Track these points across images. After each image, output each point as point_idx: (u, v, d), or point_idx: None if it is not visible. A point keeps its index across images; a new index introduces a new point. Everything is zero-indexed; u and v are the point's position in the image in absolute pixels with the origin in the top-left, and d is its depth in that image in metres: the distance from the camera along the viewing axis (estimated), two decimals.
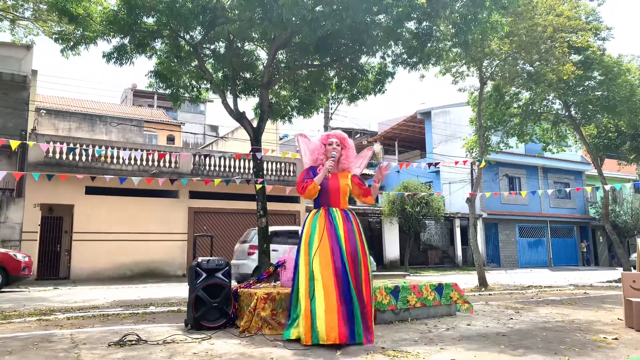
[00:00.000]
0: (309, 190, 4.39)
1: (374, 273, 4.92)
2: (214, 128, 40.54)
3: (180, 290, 10.92)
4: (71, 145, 15.62)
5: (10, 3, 12.44)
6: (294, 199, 20.29)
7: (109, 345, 4.01)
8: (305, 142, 4.82)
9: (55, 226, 17.22)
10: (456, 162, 11.62)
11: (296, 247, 5.22)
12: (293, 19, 8.08)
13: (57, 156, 15.80)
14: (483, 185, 25.21)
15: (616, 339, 4.30)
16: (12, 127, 15.83)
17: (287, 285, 5.31)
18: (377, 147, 4.63)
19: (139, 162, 17.13)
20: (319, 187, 4.38)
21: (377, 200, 4.79)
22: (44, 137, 16.16)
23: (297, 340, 4.03)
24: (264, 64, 10.82)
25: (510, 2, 9.42)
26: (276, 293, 4.76)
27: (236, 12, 8.77)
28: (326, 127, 21.89)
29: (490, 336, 4.44)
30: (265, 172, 19.00)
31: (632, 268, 14.45)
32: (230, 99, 10.77)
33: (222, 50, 10.63)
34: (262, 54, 11.36)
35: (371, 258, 5.18)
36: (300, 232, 4.42)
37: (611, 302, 7.57)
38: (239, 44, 10.61)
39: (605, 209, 15.79)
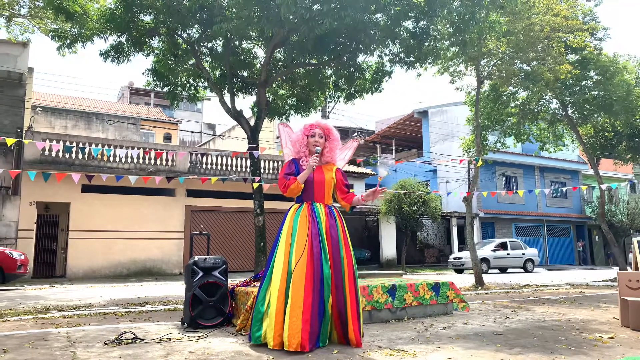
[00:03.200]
0: (292, 190, 4.03)
1: (370, 272, 4.72)
2: (211, 126, 40.51)
3: (177, 289, 10.91)
4: (67, 144, 15.58)
5: (7, 0, 12.38)
6: (291, 198, 20.26)
7: (105, 344, 4.00)
8: (287, 132, 4.47)
9: (52, 224, 17.17)
10: (452, 160, 11.62)
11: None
12: (291, 17, 8.08)
13: (54, 154, 15.74)
14: (480, 185, 25.28)
15: (612, 337, 4.31)
16: (8, 124, 15.77)
17: None
18: (383, 172, 4.40)
19: (135, 161, 17.09)
20: (303, 185, 4.03)
21: (351, 209, 4.37)
22: (40, 134, 16.11)
23: (265, 344, 3.72)
24: (262, 63, 10.82)
25: (507, 2, 9.45)
26: None
27: (233, 10, 8.77)
28: None
29: (486, 335, 4.45)
30: (262, 170, 18.99)
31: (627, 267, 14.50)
32: (227, 98, 10.76)
33: (219, 49, 10.62)
34: (260, 53, 11.37)
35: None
36: (280, 226, 4.06)
37: (607, 301, 7.60)
38: (236, 43, 10.60)
39: (602, 209, 15.84)
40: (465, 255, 20.48)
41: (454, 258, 21.52)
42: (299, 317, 3.60)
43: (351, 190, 4.40)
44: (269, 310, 3.74)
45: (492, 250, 20.94)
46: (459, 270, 20.84)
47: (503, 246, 21.39)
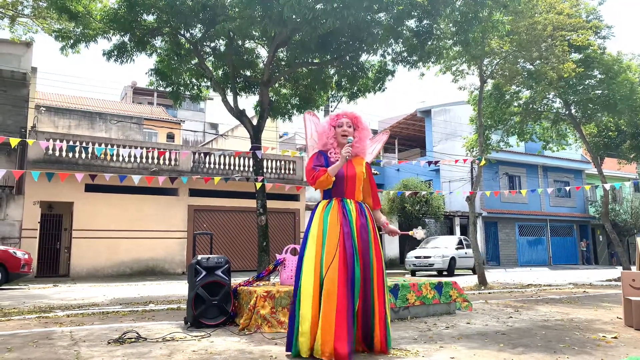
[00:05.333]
0: (321, 182, 3.63)
1: None
2: (214, 126, 40.53)
3: (180, 288, 10.94)
4: (71, 143, 15.62)
5: (10, 0, 12.41)
6: (293, 197, 20.29)
7: (109, 343, 4.01)
8: (313, 122, 4.10)
9: (55, 223, 17.23)
10: (456, 161, 11.61)
11: (291, 245, 5.09)
12: (293, 17, 8.07)
13: (57, 153, 15.80)
14: (483, 184, 25.23)
15: (615, 337, 4.30)
16: (12, 124, 15.83)
17: (286, 283, 5.32)
18: (421, 235, 4.12)
19: (138, 160, 17.13)
20: (333, 178, 3.66)
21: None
22: (44, 134, 16.16)
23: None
24: (264, 62, 10.82)
25: (510, 1, 9.42)
26: (276, 291, 4.76)
27: (236, 9, 8.77)
28: None
29: (489, 334, 4.44)
30: (265, 170, 19.01)
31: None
32: (230, 97, 10.77)
33: (222, 48, 10.63)
34: (263, 52, 11.38)
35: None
36: (307, 225, 3.73)
37: (610, 301, 7.58)
38: (239, 42, 10.61)
39: (605, 208, 15.80)
40: (435, 253, 17.30)
41: (417, 257, 17.46)
42: (332, 324, 3.33)
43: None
44: (300, 317, 3.46)
45: (456, 249, 18.02)
46: (413, 272, 17.58)
47: (460, 244, 18.63)
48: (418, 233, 4.05)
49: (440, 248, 17.95)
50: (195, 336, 4.30)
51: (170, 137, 31.52)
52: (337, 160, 3.71)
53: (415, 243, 24.15)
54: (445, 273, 17.29)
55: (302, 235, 18.73)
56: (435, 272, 17.55)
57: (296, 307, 3.53)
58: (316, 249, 3.57)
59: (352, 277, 3.50)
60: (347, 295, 3.43)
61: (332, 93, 12.22)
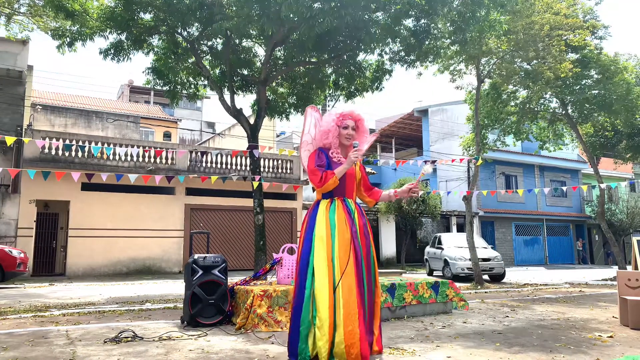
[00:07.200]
0: (328, 185, 3.54)
1: None
2: (211, 125, 40.45)
3: (177, 287, 10.92)
4: (67, 142, 15.56)
5: None
6: (290, 196, 20.27)
7: (105, 342, 4.01)
8: (315, 117, 3.93)
9: (51, 222, 17.16)
10: (453, 160, 11.62)
11: (288, 245, 5.10)
12: (291, 15, 8.07)
13: (53, 152, 15.74)
14: (480, 184, 25.29)
15: (611, 337, 4.31)
16: (8, 122, 15.77)
17: (283, 283, 5.32)
18: (428, 169, 4.09)
19: (135, 159, 17.08)
20: (339, 181, 3.59)
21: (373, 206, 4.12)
22: (40, 132, 16.09)
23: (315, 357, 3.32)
24: (262, 61, 10.82)
25: (508, 0, 9.44)
26: (272, 290, 4.76)
27: (234, 8, 8.76)
28: None
29: (486, 334, 4.45)
30: (262, 169, 18.99)
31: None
32: (227, 96, 10.76)
33: (219, 47, 10.62)
34: (260, 51, 11.36)
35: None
36: (310, 224, 3.62)
37: (606, 300, 7.61)
38: (236, 41, 10.59)
39: (601, 208, 15.85)
40: (491, 255, 14.22)
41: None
42: (355, 326, 3.28)
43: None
44: (315, 321, 3.35)
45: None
46: (456, 278, 13.55)
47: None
48: (425, 169, 4.04)
49: (479, 248, 14.20)
50: (191, 335, 4.30)
51: (167, 135, 31.47)
52: (339, 160, 3.69)
53: (411, 242, 24.18)
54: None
55: (299, 234, 18.61)
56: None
57: (305, 310, 3.41)
58: (327, 251, 3.47)
59: (362, 278, 3.48)
60: (361, 297, 3.42)
61: (330, 92, 12.22)
